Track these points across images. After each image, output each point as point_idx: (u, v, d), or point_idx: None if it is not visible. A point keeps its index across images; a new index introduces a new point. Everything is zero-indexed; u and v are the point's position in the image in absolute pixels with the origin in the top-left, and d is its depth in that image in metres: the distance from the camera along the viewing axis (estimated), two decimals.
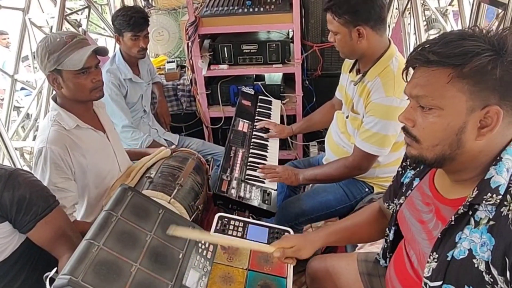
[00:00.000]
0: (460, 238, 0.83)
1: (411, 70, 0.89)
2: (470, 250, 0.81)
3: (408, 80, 0.88)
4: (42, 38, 1.46)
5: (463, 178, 0.88)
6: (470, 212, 0.83)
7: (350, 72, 1.82)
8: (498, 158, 0.81)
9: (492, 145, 0.81)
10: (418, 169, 1.06)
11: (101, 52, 1.51)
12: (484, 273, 0.78)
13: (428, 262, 0.90)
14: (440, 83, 0.79)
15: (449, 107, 0.79)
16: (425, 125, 0.84)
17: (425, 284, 0.90)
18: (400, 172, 1.15)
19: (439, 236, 0.87)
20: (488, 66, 0.75)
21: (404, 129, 0.91)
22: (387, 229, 1.20)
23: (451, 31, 0.84)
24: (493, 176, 0.80)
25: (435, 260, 0.88)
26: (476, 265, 0.79)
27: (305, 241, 1.22)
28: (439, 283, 0.86)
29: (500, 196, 0.77)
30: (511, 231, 0.74)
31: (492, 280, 0.76)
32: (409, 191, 1.06)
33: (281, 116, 2.52)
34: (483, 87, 0.76)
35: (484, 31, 0.79)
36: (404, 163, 1.14)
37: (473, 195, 0.81)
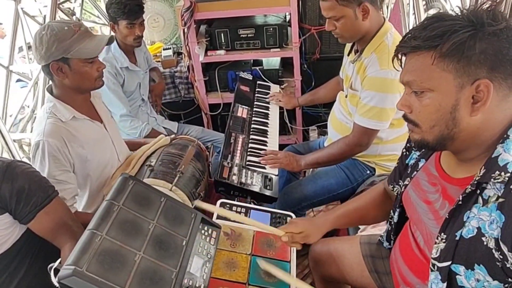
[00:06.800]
0: (468, 217, 0.83)
1: None
2: (478, 228, 0.81)
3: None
4: (43, 27, 1.43)
5: (469, 157, 0.88)
6: (478, 191, 0.82)
7: (349, 54, 1.84)
8: (505, 136, 0.80)
9: (491, 121, 0.81)
10: (423, 150, 1.06)
11: (111, 41, 1.55)
12: (493, 250, 0.78)
13: (436, 243, 0.89)
14: (426, 66, 0.82)
15: (439, 87, 0.81)
16: (420, 109, 0.86)
17: (433, 265, 0.90)
18: (405, 154, 1.15)
19: (447, 217, 0.87)
20: (467, 41, 0.76)
21: (404, 116, 0.92)
22: (391, 211, 1.20)
23: (433, 14, 0.86)
24: (500, 154, 0.79)
25: (443, 240, 0.88)
26: (485, 243, 0.79)
27: (313, 226, 1.24)
28: (448, 263, 0.86)
29: (509, 174, 0.77)
30: None
31: (502, 257, 0.76)
32: (415, 172, 1.06)
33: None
34: (467, 62, 0.77)
35: (464, 10, 0.80)
36: (408, 144, 1.14)
37: (481, 174, 0.81)
